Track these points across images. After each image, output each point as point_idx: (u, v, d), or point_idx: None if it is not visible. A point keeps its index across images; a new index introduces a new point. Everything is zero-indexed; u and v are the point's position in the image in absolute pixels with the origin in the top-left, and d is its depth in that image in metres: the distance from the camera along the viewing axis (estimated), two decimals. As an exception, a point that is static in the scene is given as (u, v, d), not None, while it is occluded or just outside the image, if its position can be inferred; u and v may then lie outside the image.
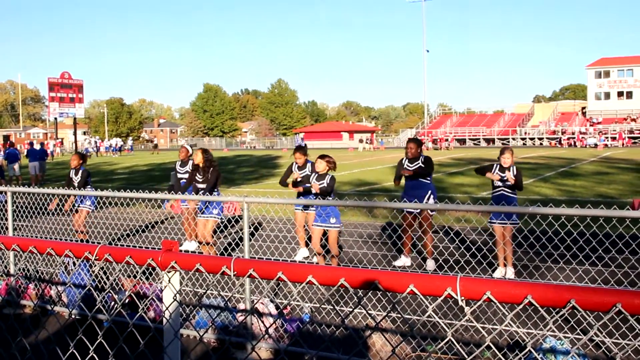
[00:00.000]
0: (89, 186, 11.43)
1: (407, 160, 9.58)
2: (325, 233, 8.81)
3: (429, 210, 9.27)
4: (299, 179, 9.82)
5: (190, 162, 11.97)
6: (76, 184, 11.18)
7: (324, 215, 8.65)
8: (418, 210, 9.24)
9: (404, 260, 9.57)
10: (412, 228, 9.36)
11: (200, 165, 10.02)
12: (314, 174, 9.18)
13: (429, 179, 9.47)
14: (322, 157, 8.99)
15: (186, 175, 11.31)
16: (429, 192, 9.40)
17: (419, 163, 9.43)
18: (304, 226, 10.26)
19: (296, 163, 10.33)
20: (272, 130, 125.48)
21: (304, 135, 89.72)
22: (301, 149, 10.39)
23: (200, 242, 10.07)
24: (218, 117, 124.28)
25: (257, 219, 13.98)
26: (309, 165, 10.16)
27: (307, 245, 10.45)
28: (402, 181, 9.77)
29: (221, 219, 9.98)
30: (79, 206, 11.04)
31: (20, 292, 7.97)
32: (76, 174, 11.32)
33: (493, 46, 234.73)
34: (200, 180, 10.05)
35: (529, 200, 15.99)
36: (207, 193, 9.85)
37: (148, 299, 6.93)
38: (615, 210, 4.94)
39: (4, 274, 8.43)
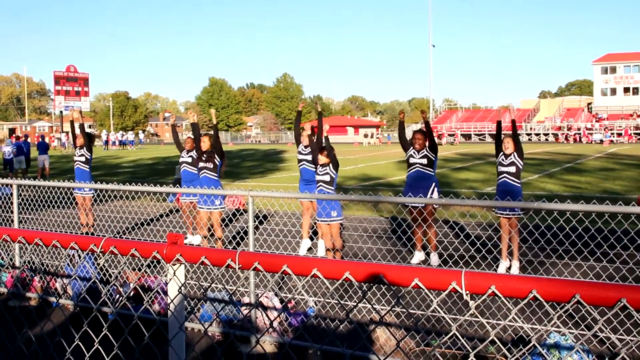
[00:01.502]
0: (89, 160, 11.58)
1: (414, 150, 9.53)
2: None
3: (433, 204, 9.25)
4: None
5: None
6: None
7: (324, 212, 8.66)
8: (423, 205, 9.23)
9: (418, 256, 9.52)
10: (418, 223, 9.35)
11: (207, 150, 10.04)
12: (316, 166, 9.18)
13: (432, 170, 9.44)
14: (323, 151, 8.99)
15: (189, 160, 11.31)
16: (433, 184, 9.38)
17: (424, 151, 9.43)
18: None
19: (302, 143, 10.48)
20: (277, 124, 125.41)
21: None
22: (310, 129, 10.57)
23: (205, 236, 10.09)
24: (223, 111, 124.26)
25: (262, 213, 13.99)
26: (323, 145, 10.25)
27: (311, 238, 10.47)
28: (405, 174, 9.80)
29: (223, 208, 9.99)
30: (77, 193, 11.25)
31: (25, 284, 8.01)
32: (80, 149, 11.66)
33: (499, 41, 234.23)
34: (204, 159, 10.03)
35: (534, 196, 15.97)
36: (211, 172, 9.95)
37: (153, 292, 6.95)
38: (620, 206, 4.93)
39: (9, 267, 8.46)
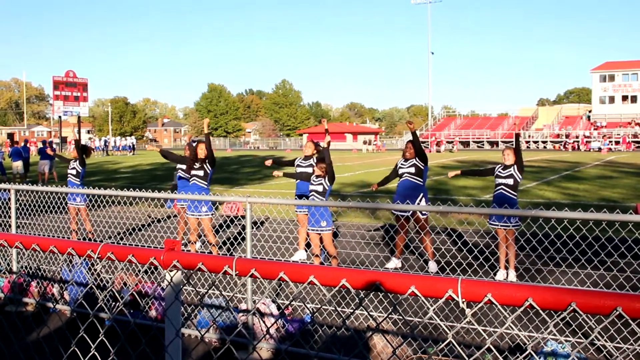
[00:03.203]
0: (81, 174, 11.52)
1: (402, 159, 9.64)
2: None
3: (420, 213, 9.27)
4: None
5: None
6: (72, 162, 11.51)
7: (314, 220, 8.66)
8: (410, 213, 9.26)
9: (394, 262, 9.54)
10: (405, 230, 9.36)
11: (203, 157, 10.08)
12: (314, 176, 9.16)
13: (421, 180, 9.47)
14: (318, 164, 9.00)
15: (184, 166, 11.33)
16: (421, 194, 9.42)
17: (412, 161, 9.49)
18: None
19: (305, 153, 10.45)
20: (276, 130, 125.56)
21: (308, 135, 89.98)
22: (315, 143, 10.54)
23: (195, 241, 10.11)
24: (222, 117, 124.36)
25: (259, 219, 13.99)
26: (312, 160, 10.19)
27: (308, 246, 10.45)
28: (395, 182, 9.86)
29: (213, 214, 9.99)
30: (69, 203, 11.19)
31: (22, 289, 7.99)
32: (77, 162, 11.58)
33: (498, 49, 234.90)
34: (197, 167, 10.08)
35: (532, 203, 15.97)
36: (201, 180, 9.98)
37: (150, 298, 6.94)
38: (618, 214, 4.94)
39: (6, 272, 8.45)
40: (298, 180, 10.35)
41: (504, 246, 8.62)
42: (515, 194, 8.82)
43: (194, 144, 10.69)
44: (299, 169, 10.37)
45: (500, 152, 9.17)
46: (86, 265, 7.66)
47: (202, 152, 10.07)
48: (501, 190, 8.82)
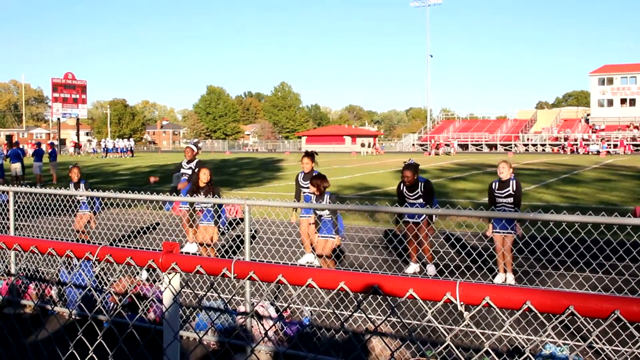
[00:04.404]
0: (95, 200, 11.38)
1: (405, 187, 9.50)
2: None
3: (428, 218, 9.25)
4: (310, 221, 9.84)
5: (196, 161, 11.97)
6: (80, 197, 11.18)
7: (326, 230, 8.62)
8: (422, 219, 9.20)
9: (413, 267, 9.47)
10: (414, 234, 9.32)
11: (206, 181, 9.95)
12: (313, 195, 9.00)
13: (431, 205, 9.34)
14: (312, 181, 8.87)
15: (189, 171, 11.21)
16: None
17: (418, 192, 9.37)
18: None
19: (303, 171, 10.31)
20: (275, 133, 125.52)
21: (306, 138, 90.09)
22: (309, 155, 10.33)
23: (201, 244, 10.05)
24: (221, 119, 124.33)
25: (258, 222, 13.97)
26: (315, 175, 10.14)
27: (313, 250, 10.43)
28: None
29: (220, 230, 9.95)
30: (81, 211, 11.07)
31: (21, 292, 7.98)
32: (77, 188, 11.13)
33: (496, 52, 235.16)
34: (203, 194, 9.95)
35: (531, 207, 15.97)
36: (210, 207, 9.83)
37: (148, 300, 6.93)
38: (616, 217, 4.94)
39: (5, 274, 8.43)
40: (304, 194, 10.28)
41: (502, 251, 8.62)
42: (518, 208, 8.81)
43: (191, 145, 10.67)
44: (302, 185, 10.28)
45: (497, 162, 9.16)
46: (86, 267, 7.65)
47: (205, 176, 9.93)
48: (503, 208, 8.80)
